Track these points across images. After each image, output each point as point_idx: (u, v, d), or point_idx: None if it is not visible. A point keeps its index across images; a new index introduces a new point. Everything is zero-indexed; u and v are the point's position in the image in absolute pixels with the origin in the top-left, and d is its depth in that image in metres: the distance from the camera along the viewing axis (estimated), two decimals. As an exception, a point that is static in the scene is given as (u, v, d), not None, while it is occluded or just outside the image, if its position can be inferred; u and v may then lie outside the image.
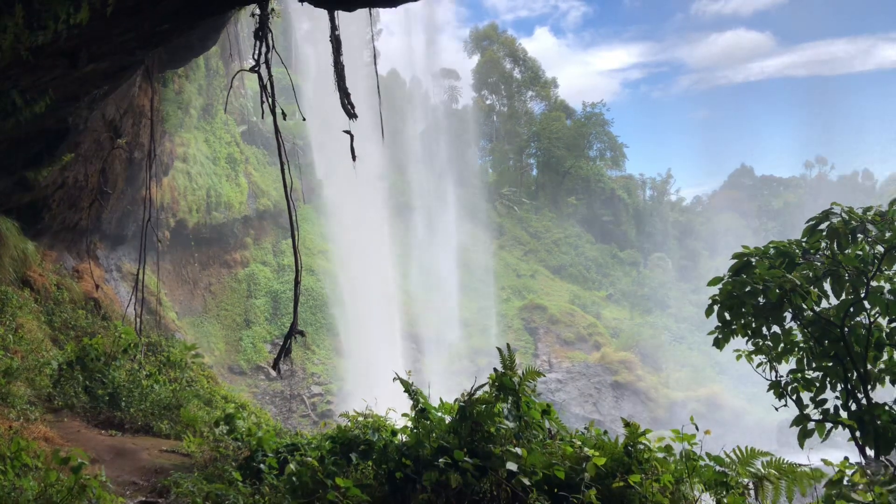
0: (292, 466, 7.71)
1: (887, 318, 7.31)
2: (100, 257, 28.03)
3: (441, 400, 7.25)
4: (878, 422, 7.24)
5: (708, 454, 6.19)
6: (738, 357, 8.37)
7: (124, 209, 26.53)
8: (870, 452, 7.32)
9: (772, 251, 7.55)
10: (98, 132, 18.82)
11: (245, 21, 39.90)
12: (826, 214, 7.30)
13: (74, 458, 7.30)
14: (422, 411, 6.94)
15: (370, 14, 12.48)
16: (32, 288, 18.98)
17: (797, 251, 7.46)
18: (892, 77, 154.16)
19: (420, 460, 6.36)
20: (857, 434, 7.31)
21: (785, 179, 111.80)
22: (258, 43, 12.36)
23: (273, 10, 12.98)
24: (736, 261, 7.71)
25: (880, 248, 7.12)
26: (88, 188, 20.82)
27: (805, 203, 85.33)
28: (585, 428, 6.92)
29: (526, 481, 5.55)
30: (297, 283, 11.74)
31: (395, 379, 7.40)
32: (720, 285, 7.63)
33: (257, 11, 12.35)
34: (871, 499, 5.06)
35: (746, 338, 7.99)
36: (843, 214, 7.20)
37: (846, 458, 6.52)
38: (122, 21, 8.74)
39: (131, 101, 19.96)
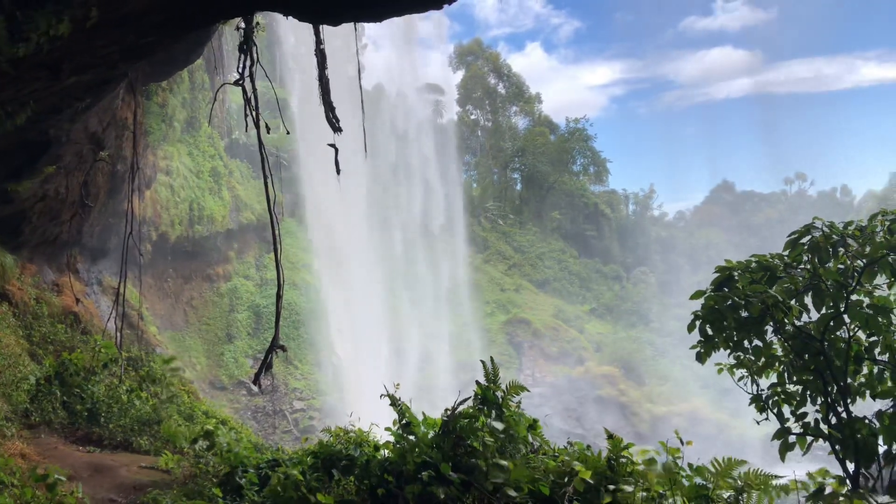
0: (274, 482, 7.62)
1: (867, 333, 7.38)
2: (80, 271, 27.70)
3: (424, 414, 7.21)
4: (858, 435, 7.29)
5: (690, 465, 6.20)
6: (720, 371, 8.41)
7: (106, 222, 26.29)
8: (850, 466, 7.37)
9: (754, 265, 7.61)
10: (80, 144, 18.66)
11: (230, 34, 39.93)
12: (808, 228, 7.39)
13: (51, 475, 7.20)
14: (406, 425, 6.90)
15: (355, 28, 12.53)
16: (11, 302, 18.73)
17: (779, 265, 7.53)
18: (869, 95, 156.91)
19: (403, 475, 6.31)
20: (838, 448, 7.36)
21: (766, 195, 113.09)
22: (243, 56, 12.38)
23: (258, 23, 13.01)
24: (718, 274, 7.77)
25: (860, 263, 7.20)
26: (70, 201, 20.62)
27: (785, 218, 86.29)
28: (568, 443, 6.91)
29: (512, 493, 5.53)
30: (279, 297, 11.70)
31: (382, 396, 7.35)
32: (702, 299, 7.68)
33: (242, 25, 12.38)
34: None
35: (728, 351, 8.03)
36: (825, 228, 7.29)
37: (826, 470, 6.57)
38: (104, 33, 8.70)
39: (114, 113, 19.83)
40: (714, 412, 61.93)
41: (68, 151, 18.05)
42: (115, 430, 12.89)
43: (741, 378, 8.25)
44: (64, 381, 13.72)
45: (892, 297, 7.29)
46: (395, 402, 7.15)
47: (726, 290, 7.51)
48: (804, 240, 7.40)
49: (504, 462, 5.85)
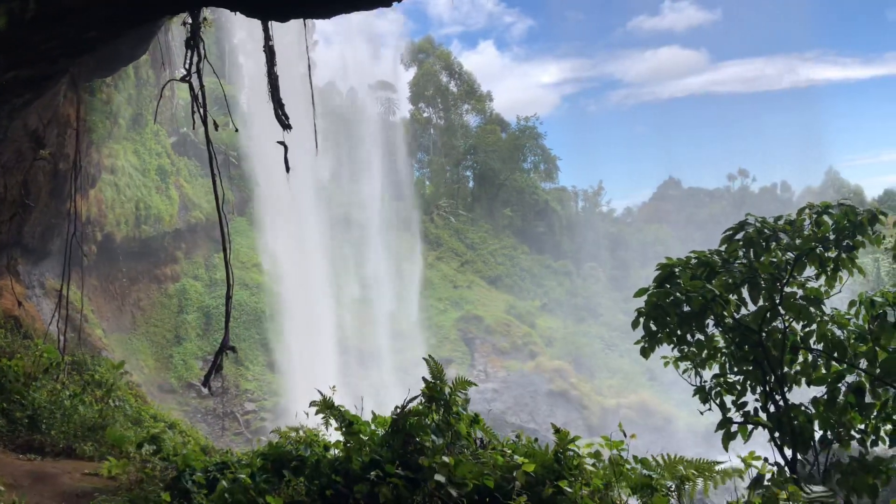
0: (223, 485, 7.53)
1: (801, 323, 7.67)
2: (21, 273, 26.82)
3: (373, 413, 7.22)
4: (795, 422, 7.58)
5: (635, 457, 6.36)
6: (666, 364, 8.63)
7: (48, 223, 25.48)
8: (788, 452, 7.65)
9: (693, 261, 7.84)
10: (19, 142, 18.07)
11: (177, 29, 39.08)
12: (742, 224, 7.66)
13: (-10, 483, 6.99)
14: (350, 425, 6.89)
15: (304, 25, 12.43)
16: (-54, 306, 18.05)
17: (717, 260, 7.77)
18: (807, 95, 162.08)
19: (352, 475, 6.31)
20: (776, 435, 7.64)
21: (710, 191, 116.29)
22: (190, 52, 12.15)
23: (205, 19, 12.78)
24: (660, 271, 7.97)
25: (791, 255, 7.50)
26: (9, 201, 19.93)
27: (729, 214, 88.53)
28: (516, 436, 7.00)
29: (454, 492, 5.57)
30: (228, 297, 11.54)
31: (311, 404, 7.31)
32: (645, 296, 7.87)
33: (189, 20, 12.15)
34: (785, 496, 5.30)
35: (672, 345, 8.25)
36: (757, 224, 7.57)
37: (766, 459, 6.81)
38: (44, 28, 8.46)
39: (56, 110, 19.24)
40: (662, 403, 63.34)
41: (7, 149, 17.47)
42: (57, 436, 12.52)
43: (685, 370, 8.48)
44: (3, 388, 13.27)
45: (821, 288, 7.61)
46: (330, 407, 7.11)
47: (668, 286, 7.72)
48: (739, 235, 7.67)
49: (446, 458, 5.88)
